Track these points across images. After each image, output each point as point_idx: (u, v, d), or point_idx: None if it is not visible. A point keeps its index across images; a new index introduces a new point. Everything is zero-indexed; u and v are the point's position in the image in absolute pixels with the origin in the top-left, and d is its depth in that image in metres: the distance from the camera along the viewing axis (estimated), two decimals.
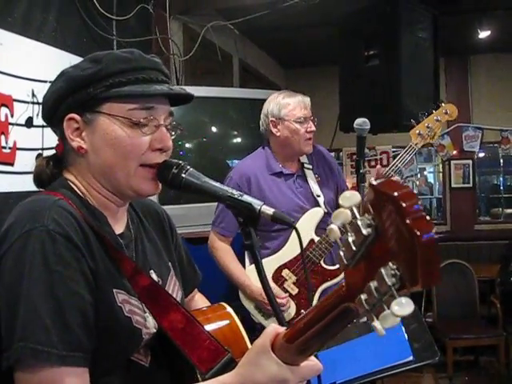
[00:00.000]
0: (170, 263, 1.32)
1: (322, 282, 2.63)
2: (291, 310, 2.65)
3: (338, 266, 2.58)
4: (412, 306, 0.63)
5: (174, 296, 1.25)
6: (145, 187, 1.16)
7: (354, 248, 0.69)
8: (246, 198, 1.10)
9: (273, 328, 0.96)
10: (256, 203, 1.07)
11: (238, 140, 3.83)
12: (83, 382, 0.99)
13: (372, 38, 3.62)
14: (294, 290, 2.65)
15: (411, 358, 1.57)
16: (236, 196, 1.09)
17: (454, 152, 7.03)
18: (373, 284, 0.66)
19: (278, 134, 2.69)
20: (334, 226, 0.71)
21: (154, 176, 1.15)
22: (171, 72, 4.14)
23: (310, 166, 2.76)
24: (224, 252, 2.75)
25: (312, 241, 2.61)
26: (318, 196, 2.67)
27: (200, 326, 1.15)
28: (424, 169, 8.23)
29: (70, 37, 3.00)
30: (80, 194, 1.16)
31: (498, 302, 5.20)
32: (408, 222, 0.62)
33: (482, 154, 7.39)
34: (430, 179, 8.57)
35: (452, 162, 7.11)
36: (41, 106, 1.23)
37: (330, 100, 5.03)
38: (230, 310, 1.37)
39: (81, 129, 1.14)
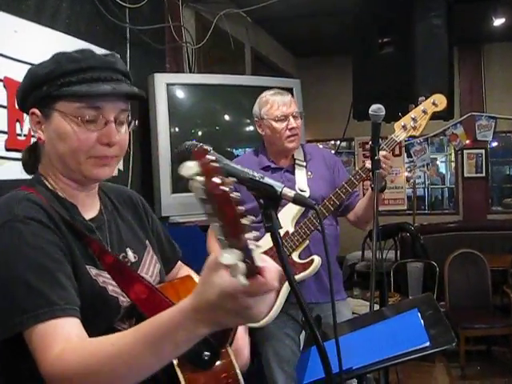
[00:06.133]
0: (147, 241, 1.45)
1: None
2: None
3: (308, 260, 2.58)
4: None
5: (152, 268, 1.40)
6: (95, 172, 1.26)
7: None
8: (267, 180, 1.10)
9: None
10: (277, 185, 1.07)
11: (251, 128, 3.82)
12: (82, 331, 1.11)
13: (386, 25, 3.59)
14: None
15: (428, 343, 1.56)
16: (257, 178, 1.10)
17: (467, 141, 7.00)
18: None
19: (263, 133, 2.76)
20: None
21: (104, 163, 1.26)
22: (184, 60, 4.14)
23: (304, 163, 2.77)
24: (212, 236, 2.86)
25: (287, 233, 2.60)
26: (302, 191, 2.64)
27: (162, 295, 1.25)
28: (435, 159, 8.19)
29: (84, 24, 3.00)
30: (50, 187, 1.28)
31: (511, 292, 5.18)
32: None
33: (495, 144, 7.34)
34: (442, 169, 8.53)
35: (465, 151, 7.08)
36: None
37: (342, 89, 5.01)
38: (196, 279, 1.46)
39: (41, 122, 1.26)
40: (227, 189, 0.79)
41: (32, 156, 1.34)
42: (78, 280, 1.18)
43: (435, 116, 3.43)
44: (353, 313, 2.97)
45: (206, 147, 0.86)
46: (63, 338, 1.07)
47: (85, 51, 1.27)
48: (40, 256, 1.12)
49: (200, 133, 3.72)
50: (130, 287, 1.23)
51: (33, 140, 1.39)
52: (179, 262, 1.63)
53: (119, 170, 3.31)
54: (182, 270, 1.63)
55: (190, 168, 0.81)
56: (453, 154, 7.52)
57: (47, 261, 1.13)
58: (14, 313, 1.09)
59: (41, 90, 1.23)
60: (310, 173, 2.74)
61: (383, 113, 2.24)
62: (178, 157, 1.17)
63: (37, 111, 1.26)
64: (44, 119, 1.25)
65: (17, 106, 1.37)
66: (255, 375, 1.44)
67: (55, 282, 1.11)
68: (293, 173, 2.74)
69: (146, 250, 1.42)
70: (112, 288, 1.23)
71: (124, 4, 3.35)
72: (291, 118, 2.67)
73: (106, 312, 1.22)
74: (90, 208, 1.34)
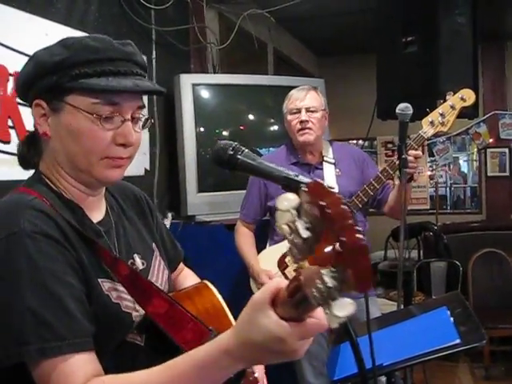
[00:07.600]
0: (153, 244, 1.36)
1: None
2: None
3: None
4: (352, 306, 0.69)
5: (160, 275, 1.31)
6: (106, 174, 1.15)
7: (297, 247, 0.74)
8: (302, 178, 1.11)
9: (275, 282, 0.86)
10: None
11: (275, 127, 3.84)
12: (96, 364, 1.03)
13: (410, 23, 3.57)
14: None
15: (458, 340, 1.56)
16: (292, 176, 1.10)
17: (490, 140, 6.93)
18: (318, 282, 0.69)
19: (286, 125, 2.85)
20: (280, 225, 0.76)
21: (117, 165, 1.15)
22: (208, 61, 4.17)
23: (333, 161, 2.80)
24: (242, 235, 2.92)
25: None
26: (331, 188, 2.66)
27: (182, 308, 1.18)
28: (457, 158, 8.12)
29: (111, 26, 3.07)
30: (54, 187, 1.16)
31: None
32: (335, 228, 0.66)
33: None
34: (464, 168, 8.45)
35: (488, 150, 7.00)
36: None
37: (365, 88, 5.00)
38: (212, 287, 1.42)
39: (47, 115, 1.13)
40: (365, 240, 0.68)
41: (32, 150, 1.21)
42: (90, 298, 1.08)
43: (459, 114, 3.42)
44: None
45: (320, 182, 0.76)
46: (80, 377, 0.99)
47: (103, 40, 1.13)
48: (47, 279, 1.01)
49: (225, 132, 3.75)
50: (147, 301, 1.15)
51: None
52: (181, 264, 1.56)
53: (145, 169, 3.35)
54: (184, 272, 1.58)
55: (291, 201, 0.74)
56: (475, 153, 7.45)
57: (55, 285, 1.02)
58: (13, 342, 0.99)
59: (49, 79, 1.09)
60: (338, 170, 2.77)
61: (410, 111, 2.25)
62: (213, 156, 1.19)
63: (43, 103, 1.12)
64: (51, 112, 1.12)
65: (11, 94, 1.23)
66: (285, 370, 1.45)
67: (63, 310, 1.01)
68: (321, 169, 2.77)
69: (153, 255, 1.33)
70: (126, 304, 1.15)
71: (149, 6, 3.41)
72: (303, 111, 2.72)
73: (118, 329, 1.15)
74: (97, 210, 1.24)
